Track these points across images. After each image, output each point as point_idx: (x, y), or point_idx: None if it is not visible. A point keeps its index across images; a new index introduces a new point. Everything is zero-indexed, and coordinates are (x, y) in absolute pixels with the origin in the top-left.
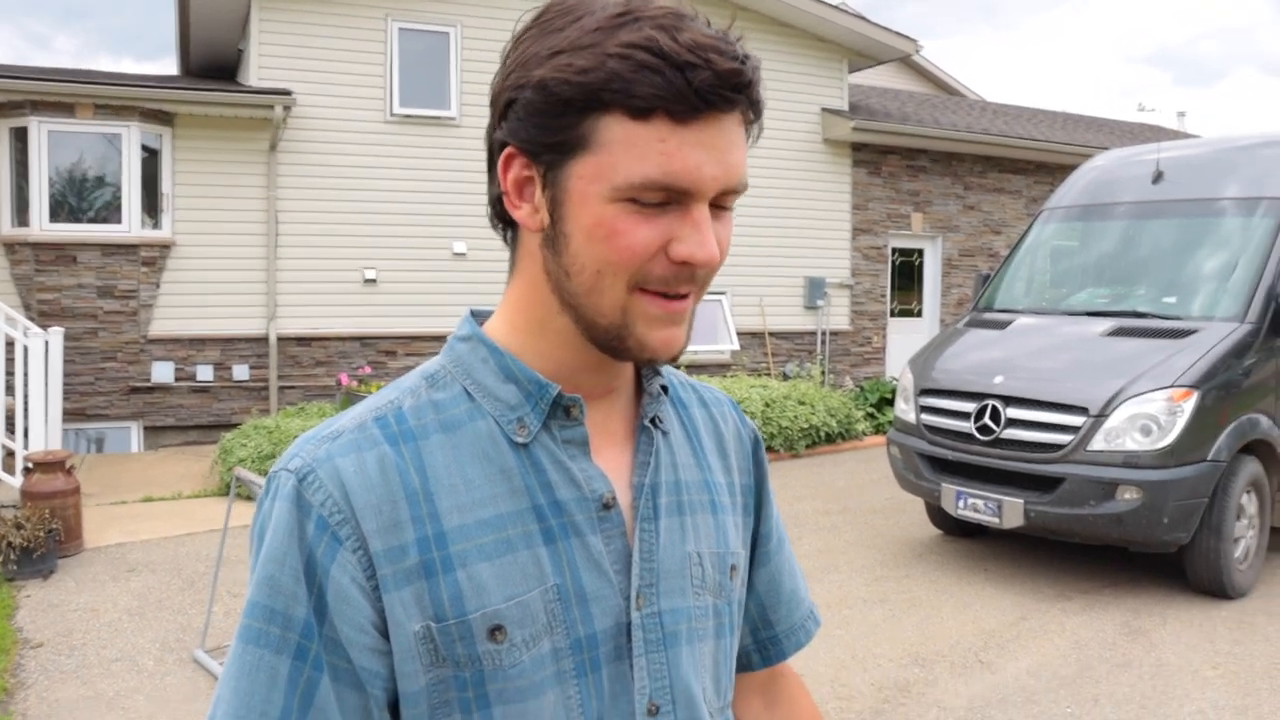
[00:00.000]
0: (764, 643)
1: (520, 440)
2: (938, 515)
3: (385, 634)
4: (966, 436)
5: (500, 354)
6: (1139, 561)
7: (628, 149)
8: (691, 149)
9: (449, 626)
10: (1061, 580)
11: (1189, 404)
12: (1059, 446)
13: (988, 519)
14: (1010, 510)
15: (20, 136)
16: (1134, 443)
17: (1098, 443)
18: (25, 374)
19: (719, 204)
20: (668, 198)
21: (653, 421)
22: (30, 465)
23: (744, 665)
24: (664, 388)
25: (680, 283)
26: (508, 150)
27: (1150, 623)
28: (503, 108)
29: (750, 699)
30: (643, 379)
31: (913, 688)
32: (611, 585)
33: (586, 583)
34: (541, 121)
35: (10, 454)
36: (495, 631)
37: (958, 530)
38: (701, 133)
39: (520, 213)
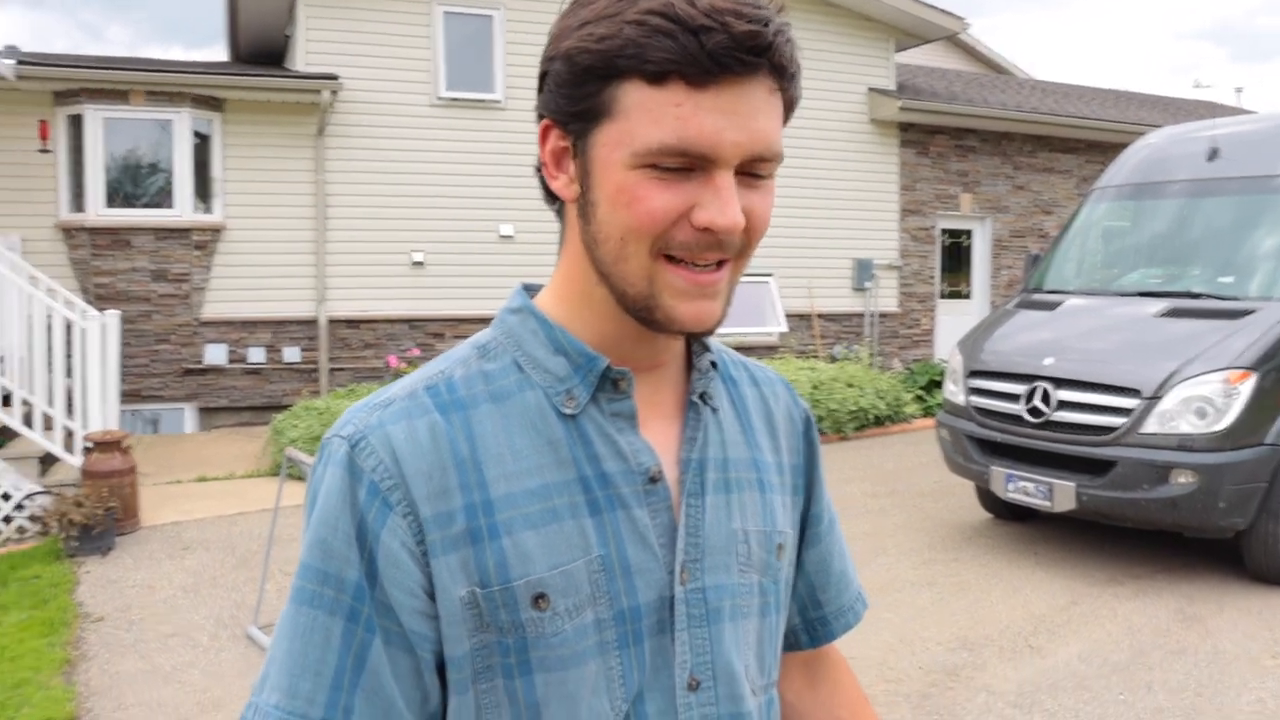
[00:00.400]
0: (812, 623)
1: (568, 412)
2: (987, 498)
3: (433, 598)
4: (1016, 419)
5: (550, 326)
6: (1194, 547)
7: (645, 115)
8: (708, 114)
9: (493, 593)
10: (1113, 565)
11: (1246, 386)
12: (1111, 429)
13: (1038, 502)
14: (1061, 493)
15: (76, 124)
16: (1189, 425)
17: (1151, 425)
18: (83, 356)
19: (753, 172)
20: (689, 164)
21: (702, 398)
22: (89, 445)
23: (791, 645)
24: (714, 364)
25: (705, 250)
26: (544, 122)
27: (1206, 609)
28: (540, 81)
29: (794, 677)
30: (693, 355)
31: (961, 672)
32: (656, 559)
33: (631, 555)
34: (568, 91)
35: (71, 434)
36: (539, 599)
37: (1007, 514)
38: (719, 97)
39: (557, 183)
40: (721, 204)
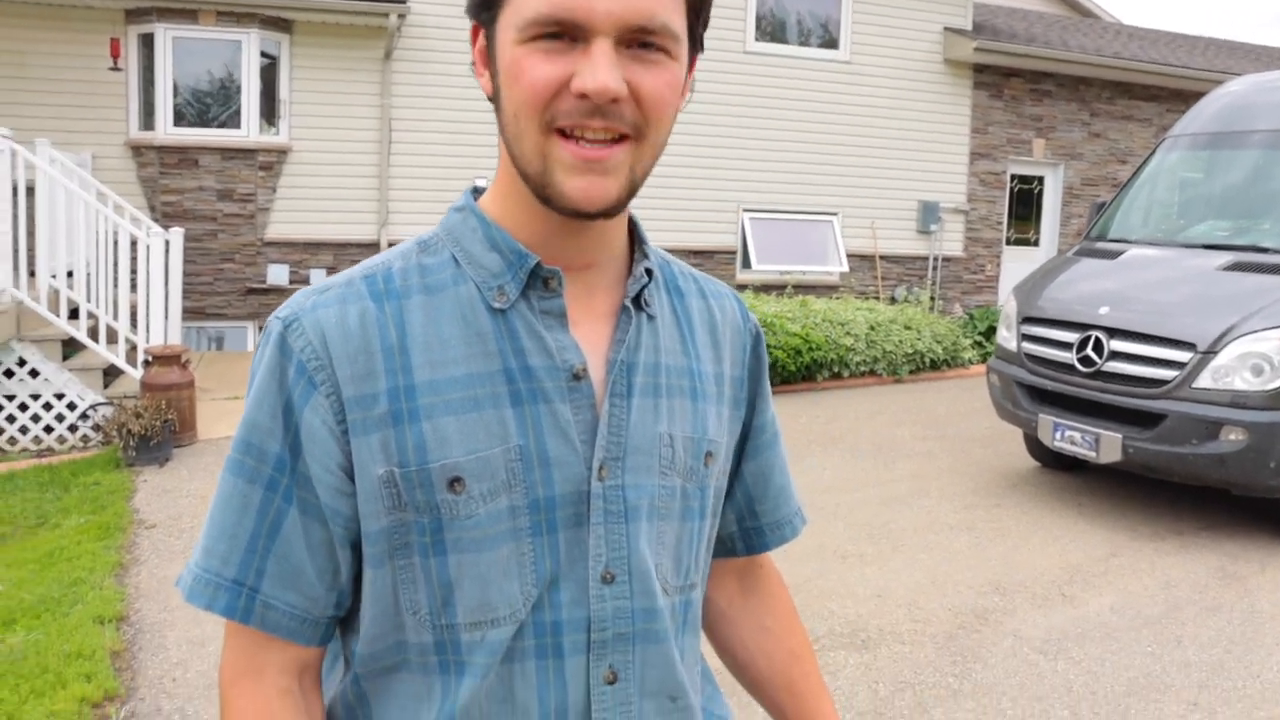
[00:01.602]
0: (748, 532)
1: (498, 306)
2: (1035, 446)
3: (351, 477)
4: (1067, 367)
5: (488, 225)
6: (1240, 506)
7: None
8: None
9: (410, 473)
10: (1157, 519)
11: None
12: (1162, 382)
13: (1084, 452)
14: (1108, 445)
15: (147, 43)
16: (1243, 382)
17: (1204, 380)
18: (147, 272)
19: (642, 43)
20: (564, 32)
21: (636, 302)
22: (149, 358)
23: (727, 551)
24: (649, 271)
25: (587, 117)
26: (472, 25)
27: (1248, 569)
28: None
29: (728, 585)
30: (633, 262)
31: (990, 616)
32: (575, 453)
33: (550, 447)
34: None
35: (134, 348)
36: (454, 483)
37: (1055, 463)
38: None
39: (482, 81)
40: (594, 69)
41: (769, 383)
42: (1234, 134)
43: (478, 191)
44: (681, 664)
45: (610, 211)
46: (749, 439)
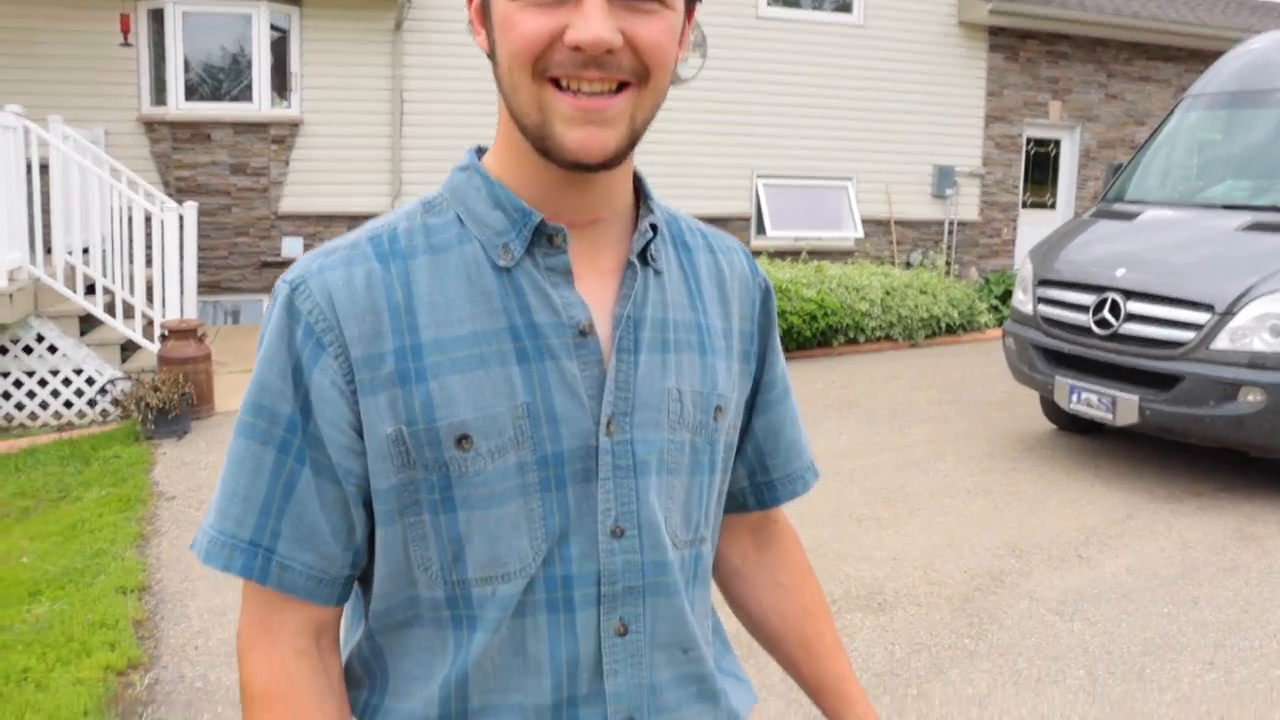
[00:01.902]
0: (759, 487)
1: (503, 264)
2: (1051, 409)
3: (361, 435)
4: (1084, 330)
5: (492, 183)
6: (1259, 467)
7: None
8: None
9: (418, 431)
10: (1174, 481)
11: None
12: (1180, 344)
13: (1101, 415)
14: (1124, 407)
15: (157, 18)
16: (1262, 343)
17: (1222, 342)
18: (162, 247)
19: None
20: None
21: (642, 258)
22: (165, 333)
23: (739, 506)
24: (654, 226)
25: (582, 68)
26: None
27: (1266, 530)
28: None
29: (742, 541)
30: (639, 217)
31: (1006, 578)
32: (583, 409)
33: (558, 404)
34: None
35: (150, 322)
36: (462, 440)
37: (1071, 426)
38: None
39: (480, 39)
40: (586, 20)
41: (779, 338)
42: (1254, 93)
43: (481, 151)
44: (692, 616)
45: (610, 162)
46: (759, 394)
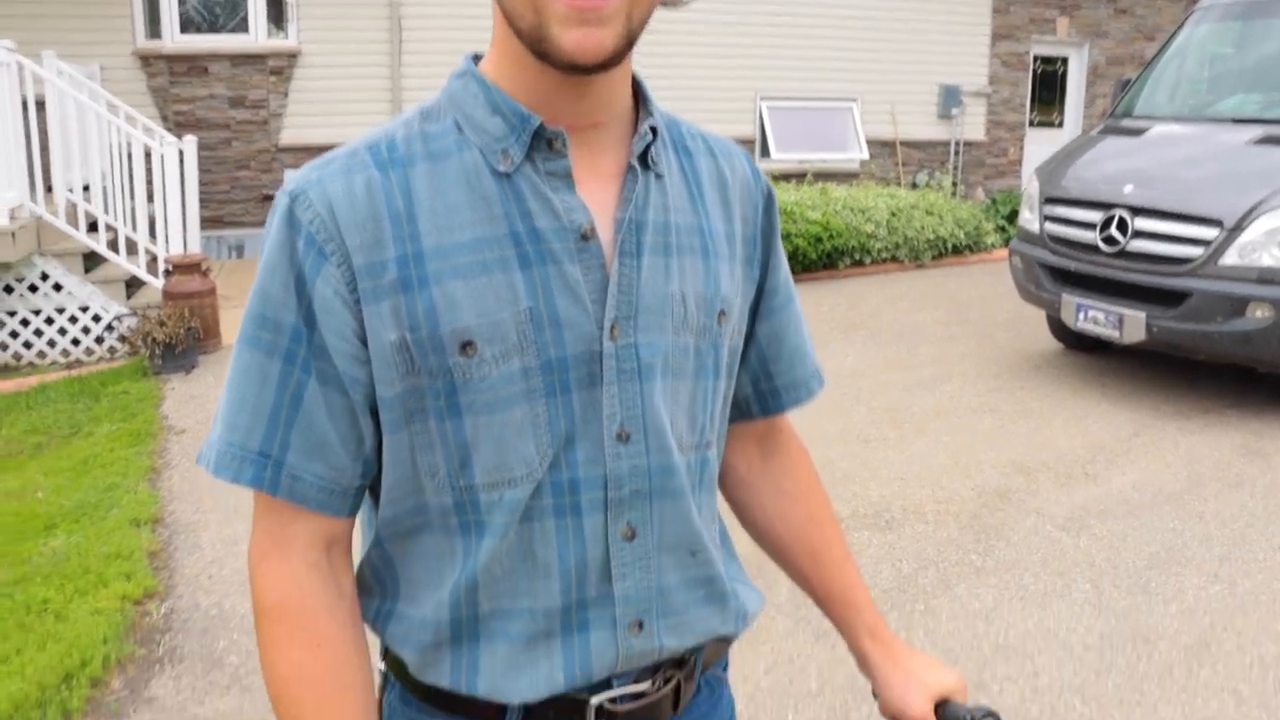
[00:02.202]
0: (764, 394)
1: (503, 170)
2: (1058, 328)
3: (366, 343)
4: (1091, 247)
5: (489, 89)
6: (1266, 383)
7: None
8: None
9: (422, 338)
10: (1181, 399)
11: None
12: (1188, 260)
13: (1108, 333)
14: (1131, 324)
15: None
16: (1271, 258)
17: (1230, 257)
18: (163, 182)
19: None
20: None
21: (643, 161)
22: (169, 268)
23: (744, 413)
24: (654, 129)
25: None
26: None
27: (1272, 445)
28: None
29: (747, 450)
30: (638, 121)
31: (1013, 495)
32: (586, 313)
33: (561, 308)
34: None
35: (154, 258)
36: (466, 346)
37: (1078, 345)
38: None
39: None
40: None
41: (781, 244)
42: (1267, 2)
43: (478, 58)
44: (699, 519)
45: (608, 63)
46: (762, 300)
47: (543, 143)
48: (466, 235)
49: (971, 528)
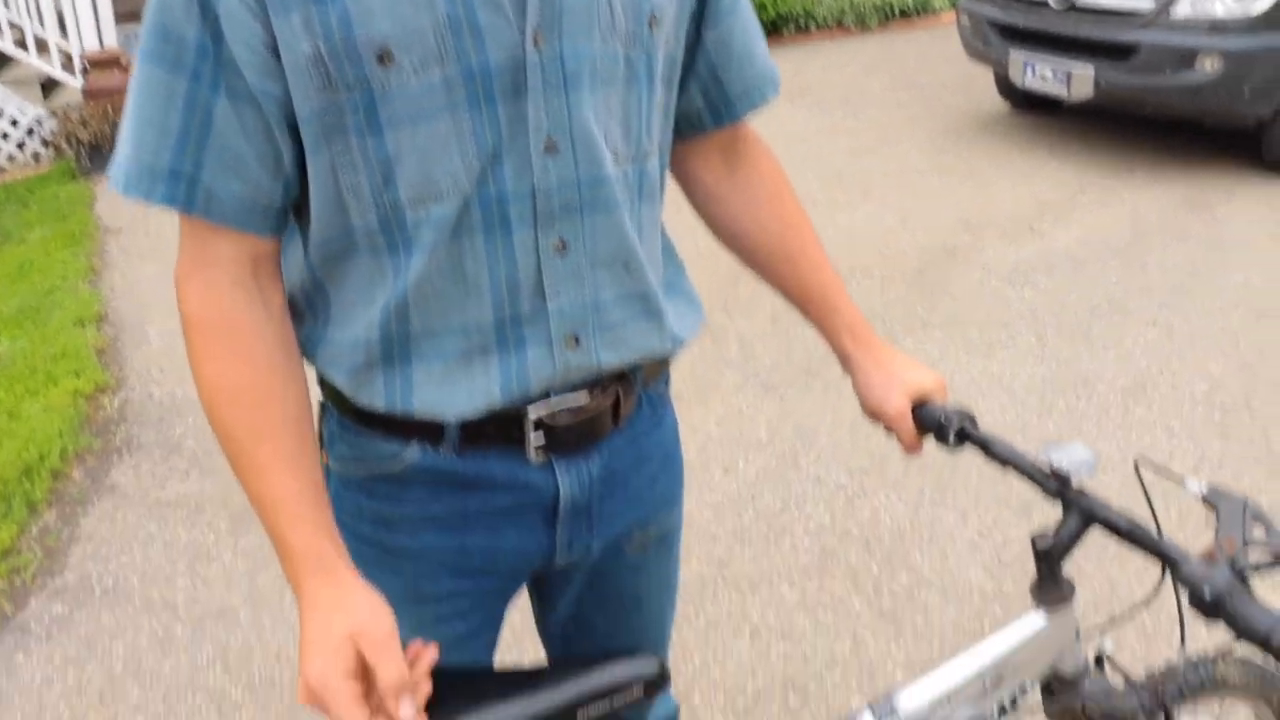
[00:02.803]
0: (714, 102)
1: None
2: (1006, 87)
3: (278, 55)
4: (1039, 3)
5: None
6: (1211, 137)
7: None
8: None
9: (336, 47)
10: (1127, 154)
11: None
12: (1138, 14)
13: (1056, 90)
14: (1079, 80)
15: None
16: (1223, 9)
17: (1182, 9)
18: None
19: None
20: None
21: None
22: (87, 65)
23: (698, 126)
24: None
25: None
26: None
27: (1216, 197)
28: None
29: (711, 162)
30: None
31: (959, 251)
32: (508, 21)
33: (481, 16)
34: None
35: (69, 57)
36: (383, 57)
37: (1026, 105)
38: None
39: None
40: None
41: None
42: None
43: None
44: (635, 233)
45: None
46: (707, 6)
47: None
48: None
49: (918, 283)
